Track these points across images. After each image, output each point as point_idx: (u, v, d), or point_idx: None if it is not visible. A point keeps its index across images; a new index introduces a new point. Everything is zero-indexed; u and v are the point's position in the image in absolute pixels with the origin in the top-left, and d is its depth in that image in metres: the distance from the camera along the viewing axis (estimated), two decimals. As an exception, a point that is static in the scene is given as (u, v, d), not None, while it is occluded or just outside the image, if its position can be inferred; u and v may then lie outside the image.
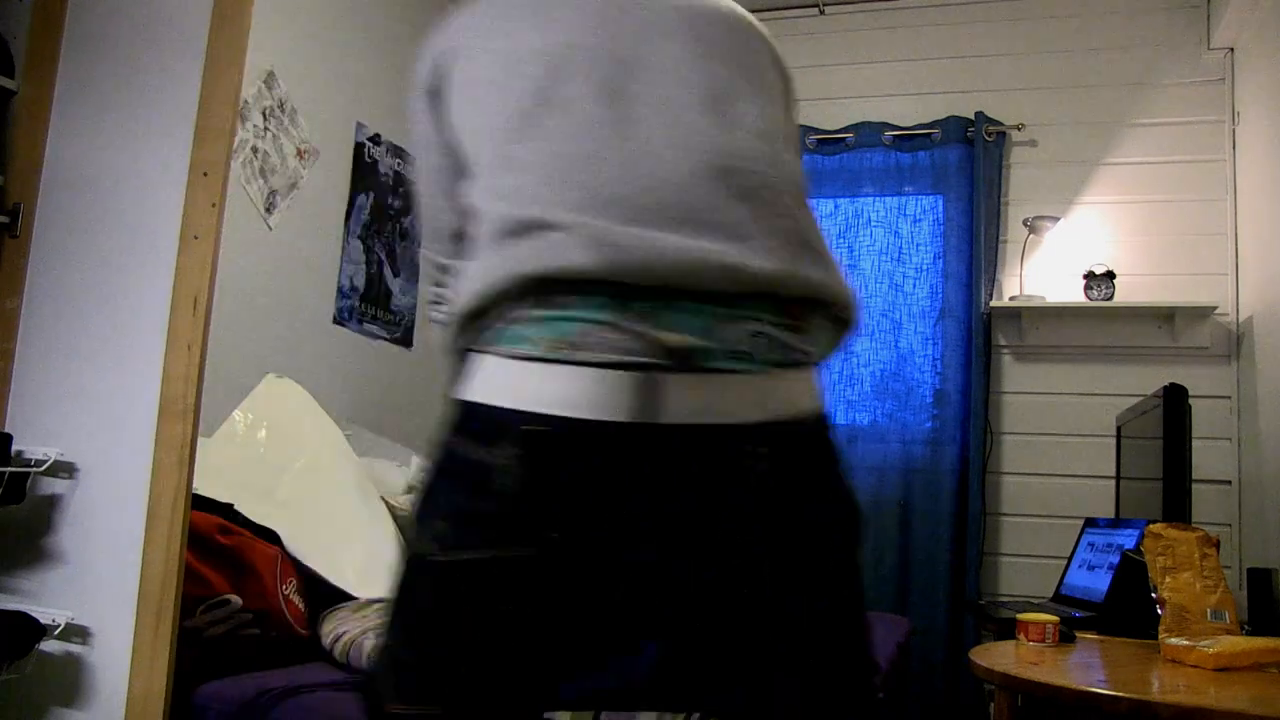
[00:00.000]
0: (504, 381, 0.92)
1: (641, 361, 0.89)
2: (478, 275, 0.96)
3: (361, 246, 3.54)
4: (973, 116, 3.58)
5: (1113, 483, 3.17)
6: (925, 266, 3.61)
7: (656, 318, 0.90)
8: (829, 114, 3.67)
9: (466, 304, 0.96)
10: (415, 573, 0.96)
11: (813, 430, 1.00)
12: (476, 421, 0.93)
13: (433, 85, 1.12)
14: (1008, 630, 2.23)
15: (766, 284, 0.95)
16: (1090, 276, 3.33)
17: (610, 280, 0.91)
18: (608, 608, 0.94)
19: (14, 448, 1.65)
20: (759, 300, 0.95)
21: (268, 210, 3.07)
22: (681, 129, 1.01)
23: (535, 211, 0.95)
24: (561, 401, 0.89)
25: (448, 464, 0.96)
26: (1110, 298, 3.31)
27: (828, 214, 3.68)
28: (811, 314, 1.00)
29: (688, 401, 0.90)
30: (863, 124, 3.63)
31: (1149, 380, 3.05)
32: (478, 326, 0.96)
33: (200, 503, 1.92)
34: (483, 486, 0.90)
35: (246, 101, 2.94)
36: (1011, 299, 3.47)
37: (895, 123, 3.67)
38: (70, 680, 1.62)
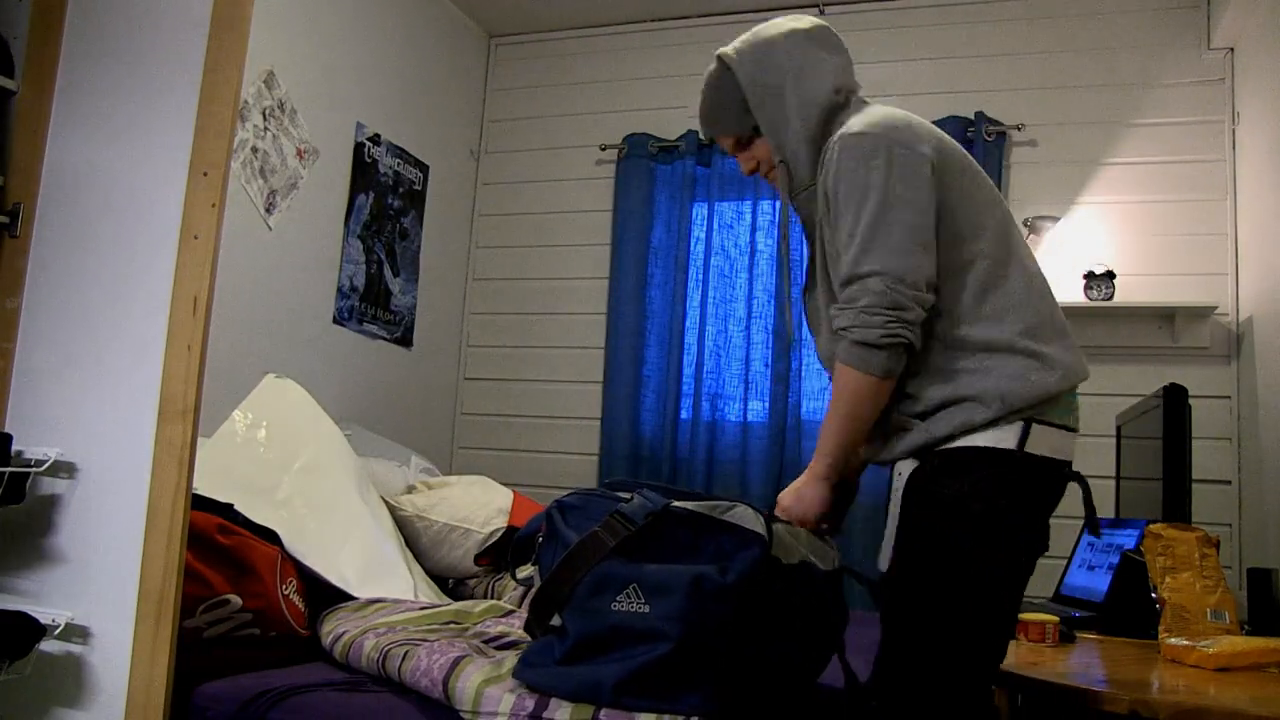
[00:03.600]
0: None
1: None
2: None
3: (361, 246, 3.54)
4: (973, 116, 3.58)
5: (1113, 483, 3.17)
6: (925, 266, 3.61)
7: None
8: (829, 114, 3.66)
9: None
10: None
11: None
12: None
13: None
14: (1008, 630, 2.23)
15: None
16: (1090, 276, 3.33)
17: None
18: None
19: (14, 448, 1.65)
20: None
21: (268, 210, 3.07)
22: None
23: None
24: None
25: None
26: (1110, 298, 3.31)
27: (828, 214, 3.68)
28: None
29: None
30: (863, 124, 3.64)
31: (1149, 380, 3.05)
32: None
33: (200, 503, 1.93)
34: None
35: (246, 101, 2.94)
36: (1011, 299, 3.47)
37: (895, 123, 3.67)
38: (70, 680, 1.62)
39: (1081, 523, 2.99)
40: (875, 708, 1.47)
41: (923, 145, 1.51)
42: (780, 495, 1.63)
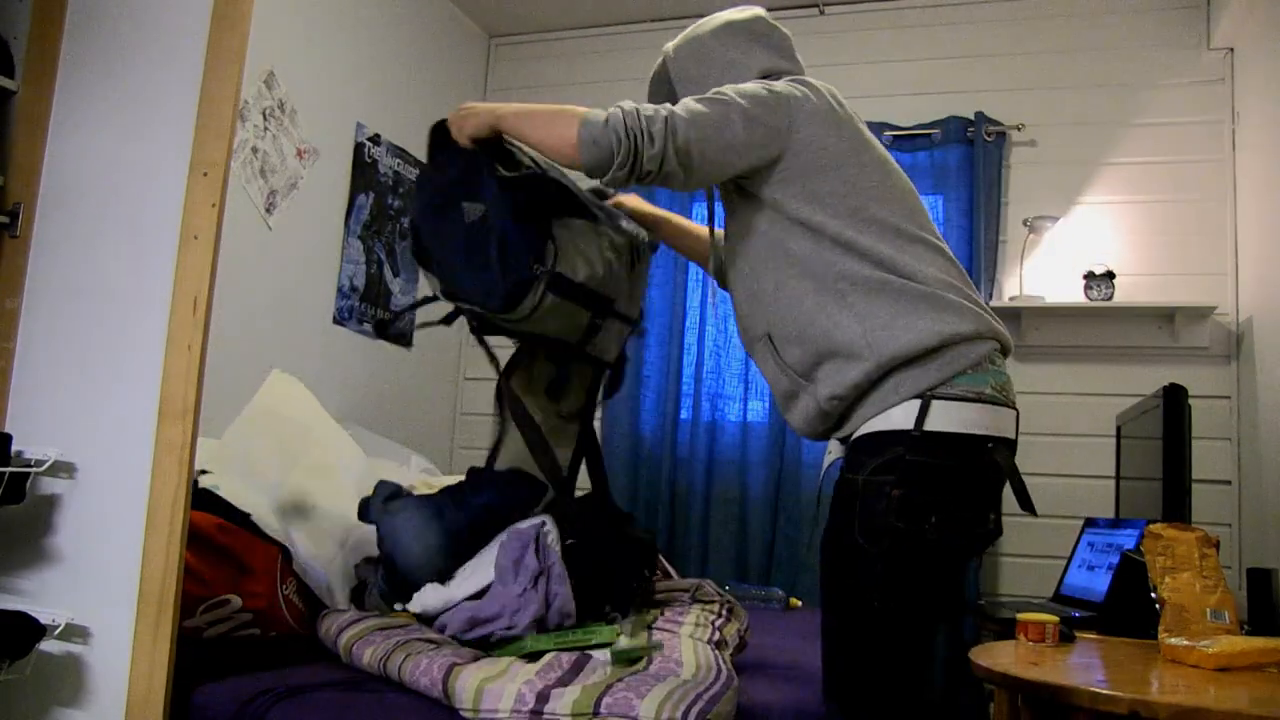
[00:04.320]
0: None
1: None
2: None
3: (361, 246, 3.54)
4: (973, 116, 3.58)
5: (1113, 483, 3.17)
6: (925, 266, 3.61)
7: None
8: (829, 114, 3.66)
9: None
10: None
11: None
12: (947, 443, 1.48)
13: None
14: (1008, 630, 2.23)
15: None
16: (1090, 276, 3.33)
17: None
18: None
19: (14, 448, 1.65)
20: None
21: (268, 210, 3.07)
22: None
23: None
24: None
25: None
26: (1110, 298, 3.31)
27: (828, 214, 3.68)
28: None
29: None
30: (862, 124, 3.64)
31: (1149, 380, 3.05)
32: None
33: (220, 506, 1.93)
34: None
35: (246, 101, 2.94)
36: (1011, 299, 3.47)
37: (895, 122, 3.67)
38: (70, 680, 1.62)
39: (1082, 522, 3.00)
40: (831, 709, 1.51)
41: (795, 88, 1.58)
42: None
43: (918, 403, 1.46)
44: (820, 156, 1.55)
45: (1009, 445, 1.53)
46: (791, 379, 1.58)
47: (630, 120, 1.49)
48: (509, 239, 1.72)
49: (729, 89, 1.56)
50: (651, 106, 1.52)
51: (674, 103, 1.62)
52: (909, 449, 1.45)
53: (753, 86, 1.57)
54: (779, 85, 1.59)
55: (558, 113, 1.57)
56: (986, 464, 1.49)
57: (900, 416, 1.47)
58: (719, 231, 1.80)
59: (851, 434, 1.54)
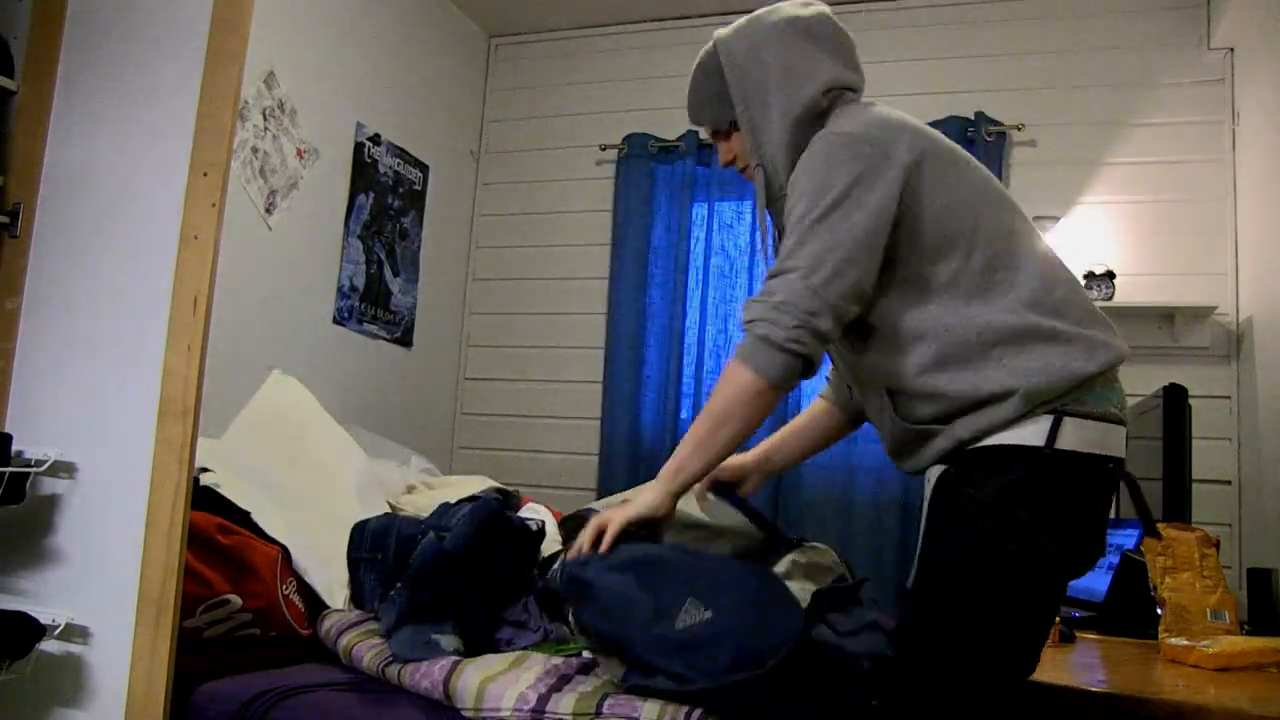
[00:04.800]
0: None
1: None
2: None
3: (361, 246, 3.54)
4: (973, 116, 3.58)
5: (1113, 483, 3.17)
6: (925, 266, 3.61)
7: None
8: (829, 114, 3.66)
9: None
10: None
11: None
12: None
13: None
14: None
15: None
16: (1090, 276, 3.33)
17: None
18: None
19: (14, 448, 1.65)
20: None
21: (268, 210, 3.07)
22: None
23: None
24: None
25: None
26: (1110, 298, 3.31)
27: (828, 214, 3.67)
28: None
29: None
30: (863, 124, 3.63)
31: (1149, 380, 3.05)
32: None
33: (221, 506, 1.93)
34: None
35: (246, 101, 2.94)
36: (1011, 299, 3.47)
37: (895, 123, 3.67)
38: (70, 680, 1.62)
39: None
40: (875, 706, 1.46)
41: (899, 148, 1.42)
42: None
43: (1049, 418, 1.37)
44: (937, 211, 1.43)
45: (1123, 466, 1.45)
46: (916, 429, 1.47)
47: (778, 317, 1.36)
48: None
49: (837, 208, 1.38)
50: (778, 294, 1.38)
51: (723, 97, 1.54)
52: (1038, 467, 1.37)
53: (849, 174, 1.40)
54: (880, 165, 1.41)
55: (717, 395, 1.46)
56: (1111, 485, 1.43)
57: (1031, 432, 1.38)
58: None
59: (963, 442, 1.42)
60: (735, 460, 1.75)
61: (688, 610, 1.41)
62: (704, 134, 1.65)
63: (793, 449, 1.84)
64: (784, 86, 1.52)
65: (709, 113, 1.60)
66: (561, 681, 1.55)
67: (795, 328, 1.37)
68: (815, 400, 1.86)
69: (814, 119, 1.53)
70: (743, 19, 1.58)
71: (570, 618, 1.60)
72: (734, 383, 1.43)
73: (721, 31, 1.58)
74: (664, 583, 1.46)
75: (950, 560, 1.40)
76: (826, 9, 1.60)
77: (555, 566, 1.62)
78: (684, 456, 1.52)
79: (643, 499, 1.56)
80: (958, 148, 1.53)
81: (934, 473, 1.45)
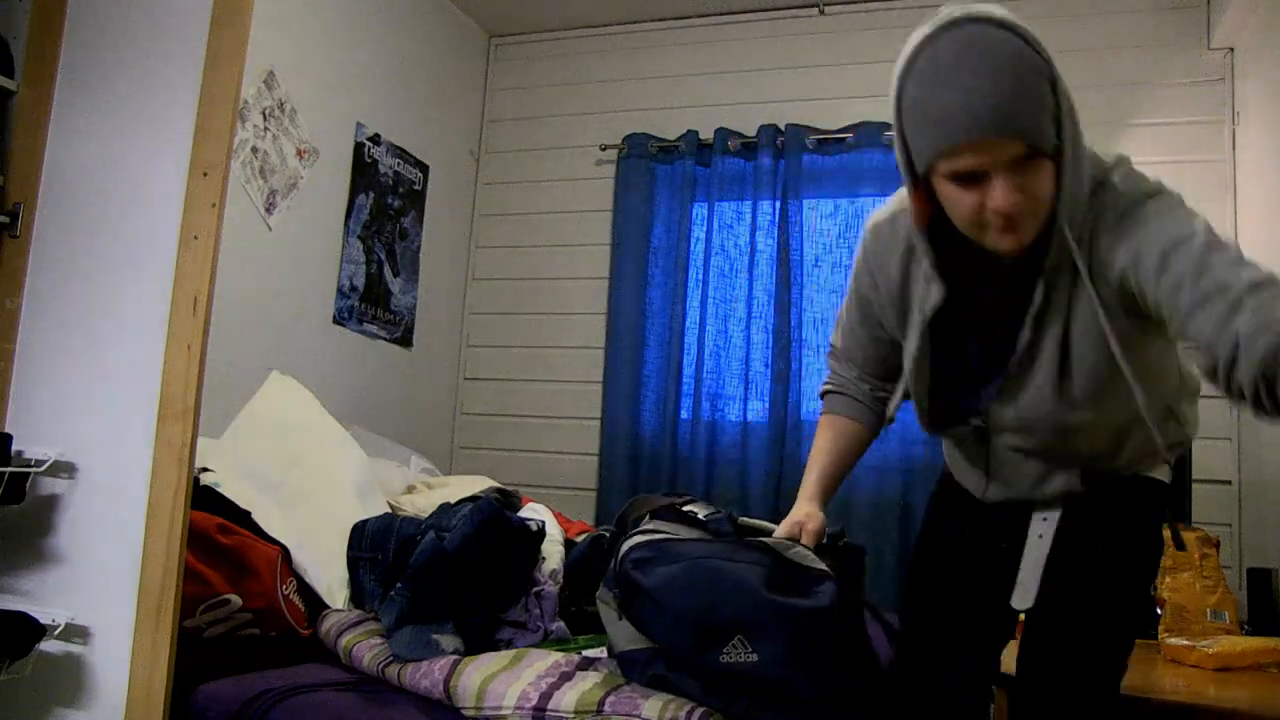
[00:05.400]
0: None
1: None
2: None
3: (361, 246, 3.54)
4: (973, 116, 3.57)
5: (1113, 483, 3.16)
6: (925, 266, 3.60)
7: None
8: (829, 114, 3.65)
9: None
10: None
11: None
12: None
13: None
14: (1008, 630, 2.23)
15: None
16: (1090, 276, 3.33)
17: None
18: None
19: (14, 448, 1.65)
20: None
21: (268, 210, 3.07)
22: None
23: None
24: None
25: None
26: (1110, 298, 3.30)
27: (828, 214, 3.67)
28: None
29: None
30: (863, 124, 3.62)
31: (1149, 380, 3.05)
32: None
33: (221, 506, 1.93)
34: None
35: (246, 101, 2.94)
36: (1011, 299, 3.46)
37: (895, 123, 3.66)
38: (70, 680, 1.62)
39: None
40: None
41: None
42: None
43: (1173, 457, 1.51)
44: None
45: None
46: (1094, 466, 1.51)
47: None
48: None
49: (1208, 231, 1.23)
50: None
51: (1050, 113, 1.17)
52: (1169, 501, 1.53)
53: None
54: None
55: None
56: None
57: (1167, 470, 1.52)
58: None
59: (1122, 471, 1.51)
60: (805, 513, 1.63)
61: (734, 646, 1.46)
62: (982, 154, 1.15)
63: (840, 478, 1.76)
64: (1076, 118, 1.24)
65: (1038, 125, 1.17)
66: (563, 679, 1.55)
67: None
68: (837, 421, 1.71)
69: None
70: (1018, 20, 1.18)
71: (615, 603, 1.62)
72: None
73: (1018, 22, 1.17)
74: (715, 605, 1.48)
75: (1136, 585, 1.50)
76: None
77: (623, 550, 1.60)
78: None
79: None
80: None
81: (1054, 510, 1.51)
